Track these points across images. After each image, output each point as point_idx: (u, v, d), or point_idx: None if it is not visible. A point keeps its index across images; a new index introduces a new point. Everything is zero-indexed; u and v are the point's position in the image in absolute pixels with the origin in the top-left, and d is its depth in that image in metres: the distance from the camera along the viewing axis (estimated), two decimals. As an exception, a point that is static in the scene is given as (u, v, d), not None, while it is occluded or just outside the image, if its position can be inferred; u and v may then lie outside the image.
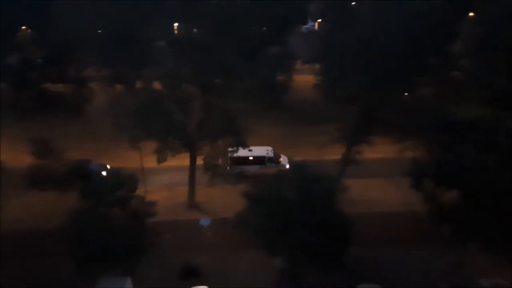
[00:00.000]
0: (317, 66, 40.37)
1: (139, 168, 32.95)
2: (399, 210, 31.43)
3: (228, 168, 35.20)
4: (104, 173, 35.11)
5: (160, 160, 30.92)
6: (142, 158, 33.42)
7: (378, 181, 35.12)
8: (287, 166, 35.44)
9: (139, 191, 25.87)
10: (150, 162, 32.81)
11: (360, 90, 28.38)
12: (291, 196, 22.67)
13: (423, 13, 27.77)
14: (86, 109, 43.19)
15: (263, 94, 39.87)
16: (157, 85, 32.56)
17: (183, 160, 32.15)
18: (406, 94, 30.74)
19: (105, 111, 33.42)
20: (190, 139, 30.62)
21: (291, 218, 22.53)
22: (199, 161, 31.97)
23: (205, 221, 31.34)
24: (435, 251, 27.18)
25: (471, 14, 38.53)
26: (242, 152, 33.99)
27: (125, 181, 24.56)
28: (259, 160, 35.39)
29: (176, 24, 39.41)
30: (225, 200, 31.75)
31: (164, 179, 35.11)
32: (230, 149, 34.60)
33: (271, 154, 36.06)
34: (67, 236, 22.68)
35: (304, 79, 45.37)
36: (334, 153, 36.16)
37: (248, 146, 31.78)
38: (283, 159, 36.48)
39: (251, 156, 35.23)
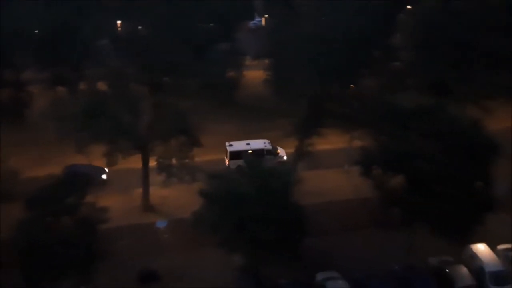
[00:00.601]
0: (266, 61, 40.82)
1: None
2: (351, 198, 32.61)
3: (227, 163, 35.06)
4: (104, 176, 33.66)
5: (111, 163, 29.94)
6: (91, 163, 32.10)
7: (331, 171, 36.19)
8: (285, 158, 35.74)
9: (91, 197, 24.88)
10: (102, 166, 31.53)
11: (308, 84, 29.04)
12: (247, 192, 22.79)
13: (364, 8, 28.87)
14: (26, 114, 40.77)
15: (214, 91, 39.69)
16: (102, 86, 31.39)
17: (139, 162, 31.36)
18: (352, 86, 31.86)
19: (47, 115, 31.62)
20: (140, 140, 29.83)
21: (248, 214, 22.68)
22: (153, 162, 31.29)
23: (161, 223, 30.72)
24: (387, 235, 28.47)
25: (408, 7, 40.67)
26: (240, 146, 34.14)
27: (74, 188, 23.56)
28: (257, 153, 34.69)
29: (119, 22, 38.14)
30: (181, 200, 31.36)
31: (119, 182, 34.04)
32: (227, 143, 35.22)
33: (269, 147, 36.17)
34: (14, 248, 21.62)
35: (254, 74, 45.72)
36: (288, 147, 37.05)
37: (202, 145, 31.46)
38: (281, 151, 36.72)
39: (249, 150, 34.82)
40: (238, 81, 46.74)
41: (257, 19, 61.39)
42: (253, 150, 34.94)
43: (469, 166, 22.27)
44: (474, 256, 26.69)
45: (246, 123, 41.20)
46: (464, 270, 25.92)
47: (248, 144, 34.33)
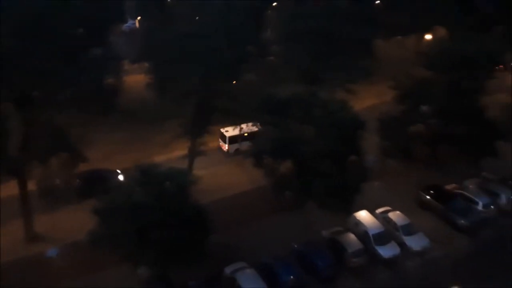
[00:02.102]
0: (146, 64, 39.76)
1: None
2: (248, 189, 34.03)
3: (226, 148, 37.93)
4: (121, 177, 33.12)
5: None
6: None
7: (225, 166, 37.21)
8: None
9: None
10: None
11: (190, 83, 29.29)
12: (143, 200, 22.29)
13: (235, 6, 30.03)
14: None
15: (93, 100, 37.38)
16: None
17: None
18: (234, 82, 32.99)
19: None
20: (14, 163, 26.76)
21: (147, 222, 22.23)
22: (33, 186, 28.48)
23: (52, 252, 28.08)
24: (285, 218, 30.39)
25: (274, 4, 43.33)
26: (235, 131, 36.93)
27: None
28: (252, 135, 35.53)
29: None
30: (72, 222, 29.19)
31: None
32: (222, 130, 37.83)
33: (245, 131, 37.57)
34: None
35: (136, 79, 44.20)
36: (181, 148, 36.91)
37: (87, 160, 29.58)
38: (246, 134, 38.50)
39: (245, 133, 37.01)
40: (118, 87, 44.54)
41: (130, 21, 59.19)
42: (248, 134, 36.96)
43: (342, 143, 24.94)
44: (358, 222, 29.98)
45: (134, 129, 39.87)
46: (352, 236, 28.84)
47: (241, 128, 36.17)
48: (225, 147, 38.81)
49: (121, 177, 33.96)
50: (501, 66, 47.84)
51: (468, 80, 31.58)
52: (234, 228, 30.23)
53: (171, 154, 36.99)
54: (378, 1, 53.91)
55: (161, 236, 22.01)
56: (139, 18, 55.41)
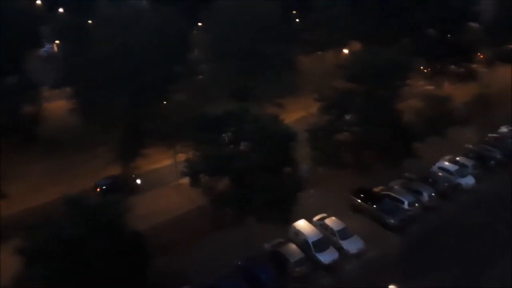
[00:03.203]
0: (68, 89, 37.86)
1: None
2: (187, 209, 33.46)
3: None
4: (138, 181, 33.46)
5: None
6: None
7: (163, 189, 36.25)
8: None
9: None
10: None
11: (116, 106, 28.49)
12: (75, 235, 20.94)
13: (159, 29, 29.95)
14: None
15: (11, 130, 34.73)
16: None
17: None
18: (164, 102, 32.64)
19: None
20: None
21: (81, 258, 20.91)
22: None
23: None
24: (227, 235, 30.28)
25: (199, 24, 43.92)
26: None
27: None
28: None
29: None
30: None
31: None
32: None
33: None
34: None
35: (58, 105, 41.88)
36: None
37: (6, 196, 27.27)
38: None
39: None
40: (37, 115, 41.81)
41: (47, 45, 56.23)
42: None
43: (276, 155, 25.64)
44: (298, 232, 30.69)
45: (62, 158, 37.48)
46: (293, 246, 29.40)
47: None
48: None
49: (138, 181, 35.35)
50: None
51: (383, 88, 34.31)
52: (177, 251, 29.56)
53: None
54: (298, 20, 57.11)
55: (98, 270, 20.84)
56: (57, 41, 52.85)
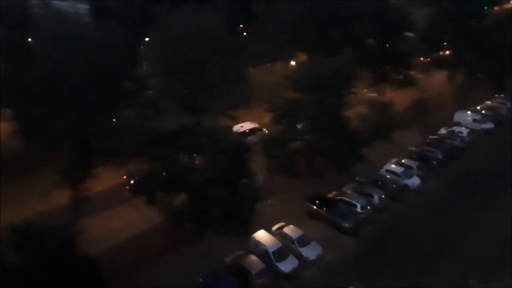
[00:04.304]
0: (8, 111, 35.71)
1: None
2: (143, 229, 32.45)
3: None
4: None
5: None
6: None
7: (117, 210, 34.92)
8: (267, 131, 43.60)
9: None
10: None
11: (60, 126, 27.31)
12: (19, 265, 19.61)
13: (104, 44, 29.19)
14: None
15: None
16: None
17: None
18: (113, 120, 31.66)
19: None
20: None
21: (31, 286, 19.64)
22: None
23: None
24: (186, 251, 29.68)
25: (147, 39, 43.41)
26: (236, 128, 42.52)
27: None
28: (251, 131, 44.56)
29: None
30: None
31: None
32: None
33: (256, 126, 45.56)
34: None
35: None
36: (61, 197, 33.52)
37: None
38: (265, 130, 44.70)
39: (246, 129, 44.40)
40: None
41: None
42: (248, 130, 44.71)
43: (231, 167, 25.68)
44: (257, 243, 30.69)
45: (5, 182, 34.97)
46: (254, 258, 29.32)
47: (242, 126, 44.31)
48: None
49: None
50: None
51: (330, 97, 35.62)
52: (134, 273, 28.53)
53: (53, 204, 33.37)
54: (245, 33, 58.23)
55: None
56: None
